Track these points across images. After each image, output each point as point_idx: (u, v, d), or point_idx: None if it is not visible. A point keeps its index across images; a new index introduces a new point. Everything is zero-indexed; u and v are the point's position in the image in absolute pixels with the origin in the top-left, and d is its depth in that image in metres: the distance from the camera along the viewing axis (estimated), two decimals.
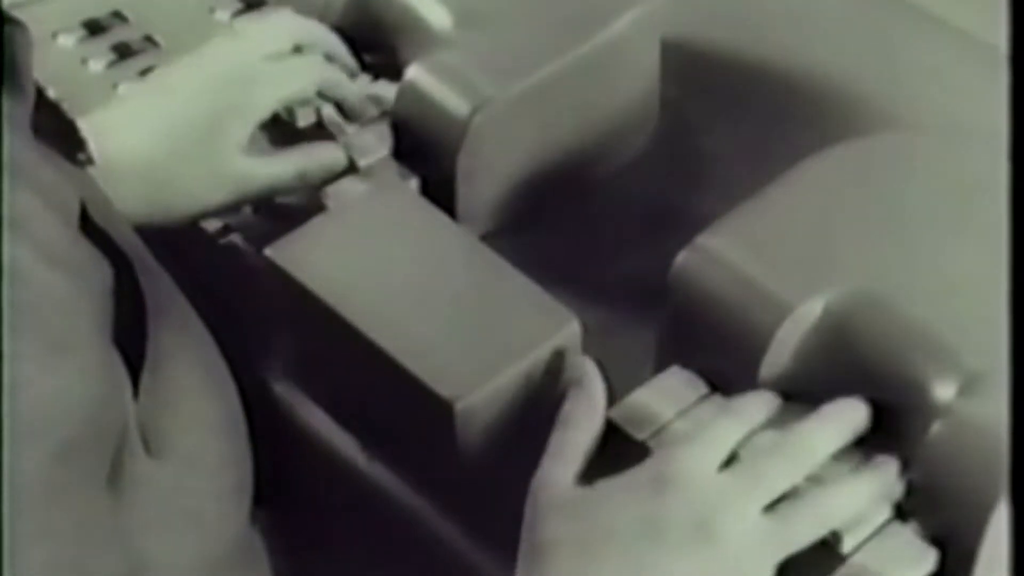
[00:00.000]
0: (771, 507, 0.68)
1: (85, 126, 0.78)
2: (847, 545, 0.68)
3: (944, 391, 0.69)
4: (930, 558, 0.68)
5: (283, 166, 0.88)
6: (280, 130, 0.90)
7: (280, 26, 0.92)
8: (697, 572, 0.66)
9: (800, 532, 0.67)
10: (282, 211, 0.87)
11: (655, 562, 0.66)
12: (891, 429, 0.70)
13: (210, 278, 0.85)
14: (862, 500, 0.69)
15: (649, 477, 0.68)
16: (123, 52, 1.02)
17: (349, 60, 0.94)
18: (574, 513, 0.69)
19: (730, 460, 0.70)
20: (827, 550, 0.68)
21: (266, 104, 0.88)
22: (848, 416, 0.71)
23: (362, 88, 0.93)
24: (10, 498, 0.56)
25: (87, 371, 0.61)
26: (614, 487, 0.69)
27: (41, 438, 0.58)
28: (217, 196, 0.86)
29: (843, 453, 0.70)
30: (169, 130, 0.86)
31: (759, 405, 0.72)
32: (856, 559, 0.68)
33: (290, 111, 0.90)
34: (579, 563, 0.67)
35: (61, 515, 0.59)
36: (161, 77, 0.90)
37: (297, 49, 0.91)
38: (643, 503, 0.68)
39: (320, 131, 0.91)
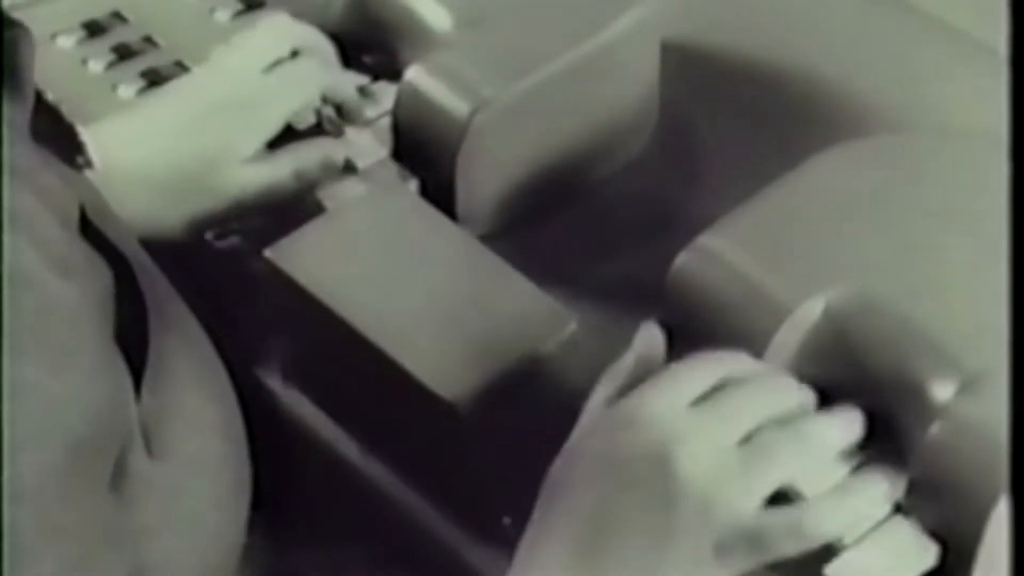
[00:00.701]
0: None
1: (88, 136, 0.78)
2: (847, 538, 0.68)
3: (943, 391, 0.69)
4: (931, 552, 0.68)
5: (279, 168, 0.87)
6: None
7: (277, 34, 0.91)
8: (657, 509, 0.64)
9: (778, 463, 0.66)
10: (282, 213, 0.87)
11: (613, 500, 0.65)
12: (891, 429, 0.70)
13: (209, 280, 0.85)
14: (837, 444, 0.68)
15: (617, 417, 0.68)
16: (123, 53, 1.02)
17: (336, 66, 0.92)
18: (563, 457, 0.68)
19: None
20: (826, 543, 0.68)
21: (276, 121, 0.88)
22: None
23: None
24: (16, 500, 0.56)
25: (93, 373, 0.61)
26: (589, 430, 0.69)
27: (50, 441, 0.58)
28: (216, 207, 0.86)
29: (844, 453, 0.71)
30: (174, 149, 0.86)
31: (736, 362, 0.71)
32: (855, 551, 0.68)
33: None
34: (551, 506, 0.67)
35: (70, 515, 0.59)
36: (168, 94, 0.90)
37: (294, 53, 0.91)
38: (605, 442, 0.67)
39: (317, 131, 0.91)
